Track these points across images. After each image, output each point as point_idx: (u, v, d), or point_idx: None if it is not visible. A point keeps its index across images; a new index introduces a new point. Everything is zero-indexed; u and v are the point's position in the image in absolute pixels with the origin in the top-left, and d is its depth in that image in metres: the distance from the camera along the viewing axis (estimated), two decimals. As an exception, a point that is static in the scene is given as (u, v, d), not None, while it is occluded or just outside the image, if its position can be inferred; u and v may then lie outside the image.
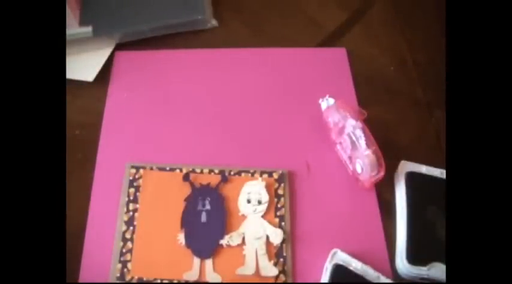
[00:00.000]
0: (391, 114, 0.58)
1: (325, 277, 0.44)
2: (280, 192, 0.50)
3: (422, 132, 0.57)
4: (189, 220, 0.48)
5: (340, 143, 0.52)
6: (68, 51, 0.51)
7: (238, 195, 0.50)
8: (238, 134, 0.55)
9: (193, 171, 0.51)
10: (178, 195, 0.49)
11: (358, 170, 0.50)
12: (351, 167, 0.51)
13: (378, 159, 0.48)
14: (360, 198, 0.51)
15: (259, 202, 0.49)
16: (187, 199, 0.49)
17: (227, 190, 0.50)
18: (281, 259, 0.46)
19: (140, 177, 0.50)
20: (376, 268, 0.45)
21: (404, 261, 0.45)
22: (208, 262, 0.46)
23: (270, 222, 0.48)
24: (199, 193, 0.50)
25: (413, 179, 0.50)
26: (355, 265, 0.45)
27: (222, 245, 0.47)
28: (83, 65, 0.59)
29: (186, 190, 0.50)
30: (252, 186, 0.50)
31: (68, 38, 0.57)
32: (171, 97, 0.58)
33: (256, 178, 0.50)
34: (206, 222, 0.48)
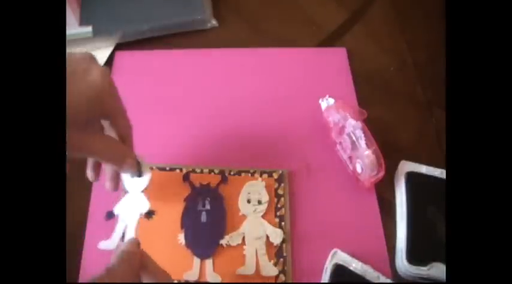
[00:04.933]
0: (391, 114, 0.58)
1: (325, 277, 0.44)
2: (280, 192, 0.50)
3: (422, 132, 0.57)
4: (189, 220, 0.48)
5: (340, 143, 0.52)
6: (68, 51, 0.51)
7: (238, 195, 0.50)
8: (238, 134, 0.55)
9: (193, 171, 0.51)
10: (178, 195, 0.49)
11: (358, 170, 0.50)
12: (351, 167, 0.51)
13: (378, 159, 0.48)
14: (360, 198, 0.51)
15: (259, 202, 0.49)
16: (187, 199, 0.49)
17: (227, 190, 0.50)
18: (281, 259, 0.46)
19: (140, 177, 0.50)
20: (376, 268, 0.45)
21: (405, 261, 0.45)
22: (209, 262, 0.46)
23: (270, 222, 0.48)
24: (199, 193, 0.50)
25: (413, 179, 0.50)
26: (355, 265, 0.45)
27: (222, 245, 0.47)
28: (83, 65, 0.59)
29: (186, 190, 0.50)
30: (252, 186, 0.50)
31: (68, 38, 0.57)
32: (171, 97, 0.58)
33: (256, 178, 0.50)
34: (206, 222, 0.48)
